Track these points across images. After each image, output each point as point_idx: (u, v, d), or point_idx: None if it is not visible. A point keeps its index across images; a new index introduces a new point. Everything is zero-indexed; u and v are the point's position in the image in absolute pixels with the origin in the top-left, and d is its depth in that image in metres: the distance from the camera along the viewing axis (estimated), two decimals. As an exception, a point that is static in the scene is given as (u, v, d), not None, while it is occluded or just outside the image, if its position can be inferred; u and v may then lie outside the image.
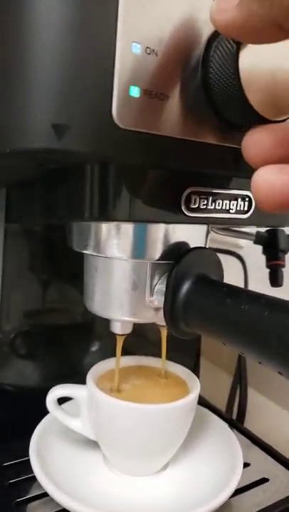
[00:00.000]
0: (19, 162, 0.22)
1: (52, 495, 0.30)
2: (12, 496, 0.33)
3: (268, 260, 0.45)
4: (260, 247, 0.49)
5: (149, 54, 0.19)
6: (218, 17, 0.16)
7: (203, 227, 0.31)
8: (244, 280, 0.61)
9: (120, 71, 0.18)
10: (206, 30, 0.21)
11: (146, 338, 0.40)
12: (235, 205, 0.25)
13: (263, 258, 0.50)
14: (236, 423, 0.44)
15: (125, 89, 0.19)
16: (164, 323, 0.33)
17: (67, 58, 0.18)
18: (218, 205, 0.25)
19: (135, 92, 0.19)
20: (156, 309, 0.31)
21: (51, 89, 0.18)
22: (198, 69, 0.21)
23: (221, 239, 0.65)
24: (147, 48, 0.19)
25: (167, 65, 0.20)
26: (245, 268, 0.61)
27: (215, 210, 0.24)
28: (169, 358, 0.37)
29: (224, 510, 0.31)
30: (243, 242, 0.66)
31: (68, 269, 0.43)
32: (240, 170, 0.24)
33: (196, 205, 0.23)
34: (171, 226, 0.29)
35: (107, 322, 0.34)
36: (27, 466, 0.35)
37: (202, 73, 0.21)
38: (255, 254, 0.60)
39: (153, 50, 0.19)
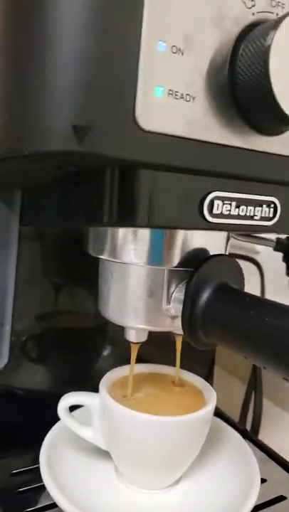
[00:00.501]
0: (37, 164, 0.21)
1: (62, 506, 0.29)
2: (21, 505, 0.32)
3: (288, 268, 0.43)
4: (277, 254, 0.48)
5: (175, 53, 0.18)
6: None
7: (224, 234, 0.30)
8: (261, 286, 0.60)
9: (145, 71, 0.18)
10: (235, 29, 0.20)
11: (159, 346, 0.38)
12: (260, 211, 0.24)
13: (280, 263, 0.49)
14: (251, 435, 0.43)
15: (150, 89, 0.18)
16: (180, 332, 0.32)
17: (89, 57, 0.17)
18: (242, 212, 0.23)
19: (160, 92, 0.18)
20: (173, 318, 0.30)
21: (72, 89, 0.17)
22: (225, 69, 0.20)
23: (237, 244, 0.63)
24: (173, 46, 0.18)
25: (194, 64, 0.19)
26: (262, 274, 0.59)
27: (238, 217, 0.23)
28: (182, 366, 0.36)
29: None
30: (259, 247, 0.65)
31: (81, 273, 0.42)
32: (267, 175, 0.23)
33: (220, 211, 0.22)
34: (190, 232, 0.28)
35: (119, 327, 0.33)
36: (36, 474, 0.34)
37: (229, 74, 0.20)
38: (272, 261, 0.59)
39: (179, 49, 0.18)
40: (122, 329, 0.33)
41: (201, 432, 0.31)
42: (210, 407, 0.31)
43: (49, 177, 0.26)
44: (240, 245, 0.64)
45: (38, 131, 0.17)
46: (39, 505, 0.32)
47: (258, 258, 0.61)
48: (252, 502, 0.29)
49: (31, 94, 0.17)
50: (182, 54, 0.18)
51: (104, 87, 0.17)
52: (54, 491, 0.30)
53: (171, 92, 0.18)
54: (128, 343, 0.33)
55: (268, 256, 0.62)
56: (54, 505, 0.31)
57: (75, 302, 0.44)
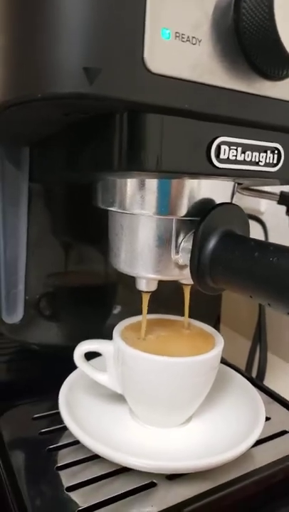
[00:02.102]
0: (46, 110, 0.21)
1: (79, 437, 0.32)
2: (44, 444, 0.35)
3: (291, 221, 0.44)
4: (280, 214, 0.49)
5: (180, -6, 0.19)
6: None
7: (230, 184, 0.31)
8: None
9: (152, 12, 0.18)
10: None
11: (167, 303, 0.40)
12: (264, 157, 0.25)
13: (283, 223, 0.49)
14: (256, 381, 0.45)
15: (157, 31, 0.18)
16: (188, 282, 0.34)
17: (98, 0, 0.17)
18: (248, 157, 0.24)
19: (167, 34, 0.19)
20: (181, 267, 0.31)
21: (82, 31, 0.17)
22: (230, 12, 0.20)
23: (241, 204, 0.64)
24: (179, -13, 0.19)
25: (200, 6, 0.19)
26: (266, 233, 0.60)
27: (244, 162, 0.24)
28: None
29: (246, 459, 0.32)
30: (263, 207, 0.65)
31: (92, 230, 0.43)
32: (270, 120, 0.24)
33: (226, 156, 0.23)
34: (196, 182, 0.29)
35: (128, 283, 0.34)
36: (55, 418, 0.37)
37: (234, 17, 0.20)
38: (275, 219, 0.60)
39: (185, -10, 0.19)
40: (132, 286, 0.34)
41: (210, 372, 0.33)
42: (219, 348, 0.33)
43: (56, 127, 0.26)
44: (245, 205, 0.65)
45: (50, 75, 0.18)
46: (60, 443, 0.34)
47: (262, 218, 0.62)
48: (258, 432, 0.32)
49: (42, 39, 0.18)
50: (188, -5, 0.19)
51: (113, 30, 0.18)
52: (73, 427, 0.32)
53: (177, 35, 0.19)
54: (135, 298, 0.35)
55: (272, 215, 0.63)
56: (74, 443, 0.34)
57: (86, 260, 0.45)
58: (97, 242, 0.44)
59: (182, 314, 0.38)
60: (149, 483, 0.30)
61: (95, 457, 0.32)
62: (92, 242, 0.44)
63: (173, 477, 0.31)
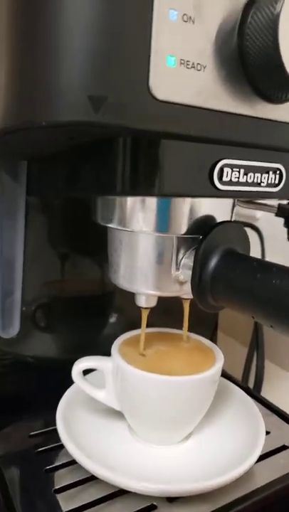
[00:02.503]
0: (49, 135, 0.21)
1: (79, 461, 0.31)
2: (41, 464, 0.34)
3: None
4: (276, 219, 0.49)
5: (186, 22, 0.18)
6: None
7: (230, 201, 0.31)
8: (261, 251, 0.61)
9: (157, 40, 0.18)
10: (243, -5, 0.20)
11: (166, 315, 0.40)
12: (266, 178, 0.25)
13: (279, 230, 0.50)
14: (254, 392, 0.45)
15: (162, 59, 0.18)
16: (187, 296, 0.34)
17: (102, 27, 0.17)
18: (250, 178, 0.24)
19: (172, 62, 0.18)
20: (182, 283, 0.31)
21: (87, 60, 0.17)
22: (234, 37, 0.20)
23: (237, 211, 0.64)
24: (184, 15, 0.18)
25: (204, 33, 0.19)
26: (262, 240, 0.60)
27: (246, 184, 0.24)
28: (188, 330, 0.38)
29: (247, 477, 0.32)
30: (259, 214, 0.66)
31: (89, 242, 0.43)
32: (274, 142, 0.24)
33: (229, 179, 0.23)
34: (197, 200, 0.29)
35: (125, 295, 0.34)
36: (52, 435, 0.36)
37: (238, 42, 0.20)
38: (270, 227, 0.60)
39: (190, 18, 0.19)
40: (128, 296, 0.34)
41: (210, 389, 0.33)
42: (219, 366, 0.33)
43: (58, 148, 0.26)
44: (240, 212, 0.65)
45: (55, 102, 0.17)
46: (57, 463, 0.34)
47: (257, 224, 0.62)
48: (258, 452, 0.31)
49: (46, 67, 0.17)
50: (193, 23, 0.19)
51: (118, 57, 0.17)
52: (71, 448, 0.32)
53: (182, 62, 0.19)
54: (137, 309, 0.34)
55: (267, 222, 0.63)
56: (72, 462, 0.33)
57: (82, 271, 0.45)
58: (95, 254, 0.44)
59: (180, 319, 0.37)
60: (149, 505, 0.30)
61: (94, 477, 0.31)
62: (89, 253, 0.44)
63: (173, 499, 0.30)
